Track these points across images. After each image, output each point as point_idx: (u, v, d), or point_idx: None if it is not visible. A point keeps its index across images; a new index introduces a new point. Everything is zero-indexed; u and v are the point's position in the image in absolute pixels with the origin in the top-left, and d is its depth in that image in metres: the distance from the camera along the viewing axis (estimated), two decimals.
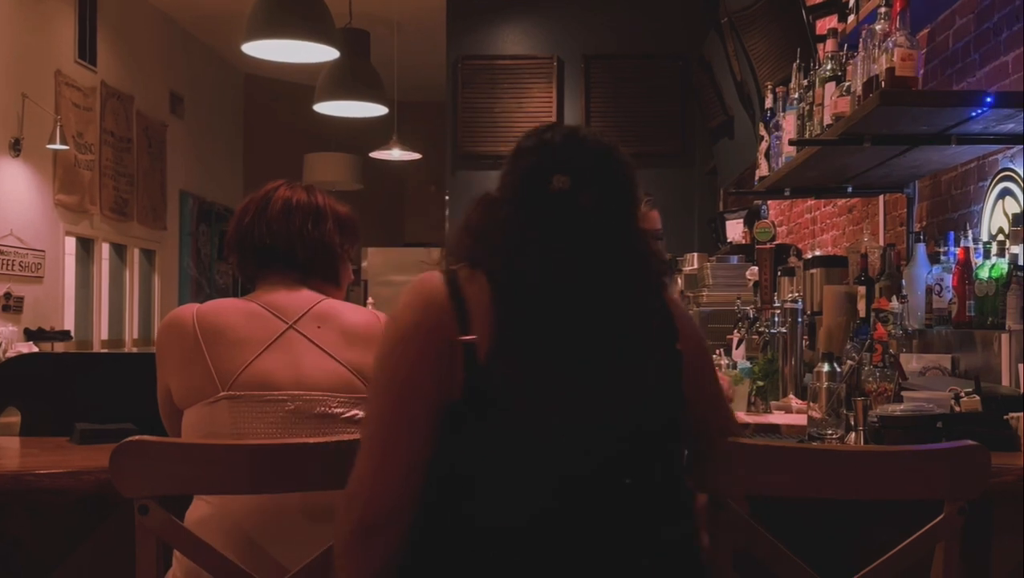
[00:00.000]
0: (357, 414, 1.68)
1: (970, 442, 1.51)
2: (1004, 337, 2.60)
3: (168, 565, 1.62)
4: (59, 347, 6.67)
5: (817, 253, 4.43)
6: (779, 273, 4.31)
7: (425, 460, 1.29)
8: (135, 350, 8.21)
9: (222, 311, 1.73)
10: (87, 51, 7.63)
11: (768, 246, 4.27)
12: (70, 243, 7.57)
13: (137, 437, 1.39)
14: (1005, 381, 2.61)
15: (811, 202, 5.24)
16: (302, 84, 9.45)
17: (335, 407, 1.67)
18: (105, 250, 8.13)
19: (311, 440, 1.46)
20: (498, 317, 1.31)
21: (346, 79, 6.08)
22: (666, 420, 1.39)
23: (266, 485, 1.47)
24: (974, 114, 2.53)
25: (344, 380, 1.69)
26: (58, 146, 6.76)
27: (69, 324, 7.42)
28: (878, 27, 2.55)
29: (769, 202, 5.61)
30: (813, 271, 3.93)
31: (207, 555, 1.42)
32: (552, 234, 1.37)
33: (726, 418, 1.57)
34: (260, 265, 1.82)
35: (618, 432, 1.33)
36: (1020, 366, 2.46)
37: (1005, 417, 2.14)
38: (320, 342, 1.71)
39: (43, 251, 6.98)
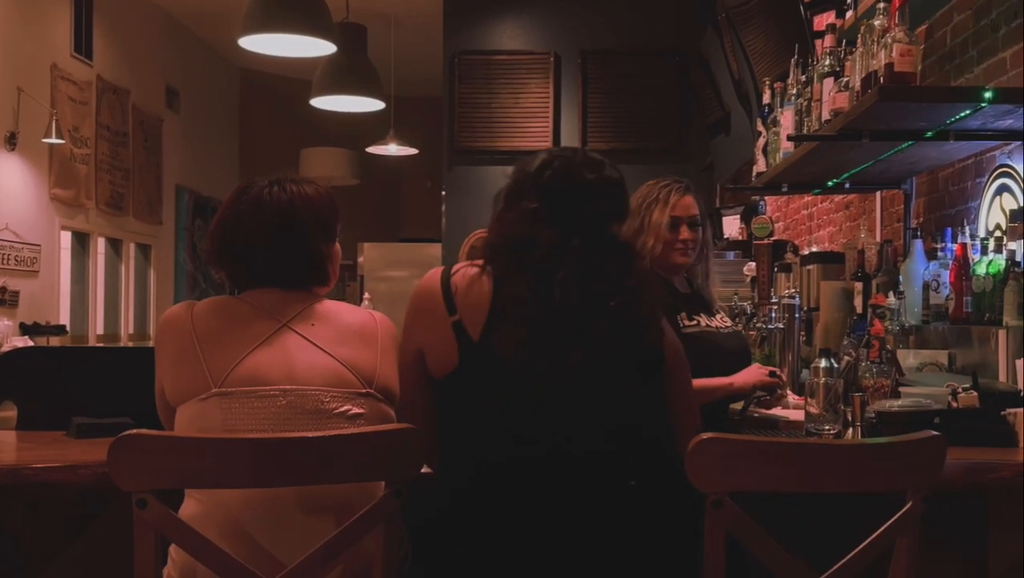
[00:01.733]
0: (351, 409, 1.67)
1: (931, 433, 1.52)
2: (1001, 333, 2.60)
3: (164, 562, 1.62)
4: (54, 341, 6.66)
5: (814, 249, 4.43)
6: (776, 269, 4.32)
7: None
8: (130, 344, 8.20)
9: (218, 309, 1.73)
10: (83, 45, 7.61)
11: (766, 242, 4.28)
12: (65, 237, 7.55)
13: (135, 431, 1.39)
14: (1002, 377, 2.61)
15: (808, 198, 5.24)
16: (298, 79, 9.42)
17: (328, 402, 1.66)
18: (101, 244, 8.11)
19: (310, 434, 1.46)
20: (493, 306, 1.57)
21: (343, 74, 6.06)
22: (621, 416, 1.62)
23: (264, 479, 1.47)
24: (973, 110, 2.53)
25: (337, 375, 1.68)
26: (54, 140, 6.75)
27: (64, 318, 7.41)
28: (877, 23, 2.55)
29: (767, 198, 5.61)
30: (810, 267, 3.93)
31: (205, 549, 1.42)
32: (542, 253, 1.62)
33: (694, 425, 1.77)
34: (251, 280, 1.80)
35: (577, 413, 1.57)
36: (1018, 362, 2.46)
37: (1002, 413, 2.14)
38: (314, 338, 1.71)
39: (39, 245, 6.97)
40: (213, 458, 1.42)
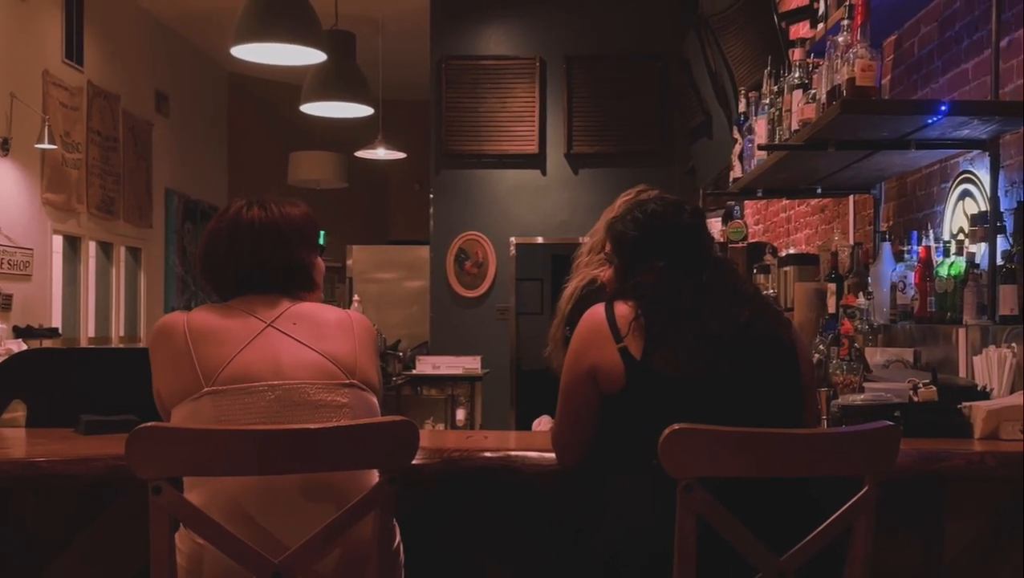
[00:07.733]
0: (336, 400, 1.80)
1: (886, 423, 1.66)
2: (961, 331, 2.74)
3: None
4: (47, 344, 6.74)
5: (791, 251, 4.56)
6: (755, 271, 4.45)
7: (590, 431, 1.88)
8: (122, 346, 8.27)
9: (209, 315, 1.87)
10: (74, 51, 7.70)
11: (740, 245, 4.41)
12: (57, 241, 7.63)
13: (152, 424, 1.51)
14: (962, 372, 2.75)
15: (786, 202, 5.37)
16: (286, 83, 9.52)
17: (314, 394, 1.79)
18: (92, 248, 8.19)
19: (312, 425, 1.58)
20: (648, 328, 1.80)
21: (332, 80, 6.14)
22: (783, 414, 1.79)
23: (268, 468, 1.59)
24: (930, 121, 2.67)
25: (321, 367, 1.82)
26: (46, 145, 6.83)
27: (56, 321, 7.48)
28: (841, 38, 2.68)
29: (746, 202, 5.74)
30: (786, 268, 4.06)
31: (215, 532, 1.54)
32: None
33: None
34: (238, 289, 1.94)
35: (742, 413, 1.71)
36: (975, 358, 2.59)
37: (959, 406, 2.27)
38: (297, 336, 1.84)
39: (31, 249, 7.05)
40: (222, 448, 1.54)
